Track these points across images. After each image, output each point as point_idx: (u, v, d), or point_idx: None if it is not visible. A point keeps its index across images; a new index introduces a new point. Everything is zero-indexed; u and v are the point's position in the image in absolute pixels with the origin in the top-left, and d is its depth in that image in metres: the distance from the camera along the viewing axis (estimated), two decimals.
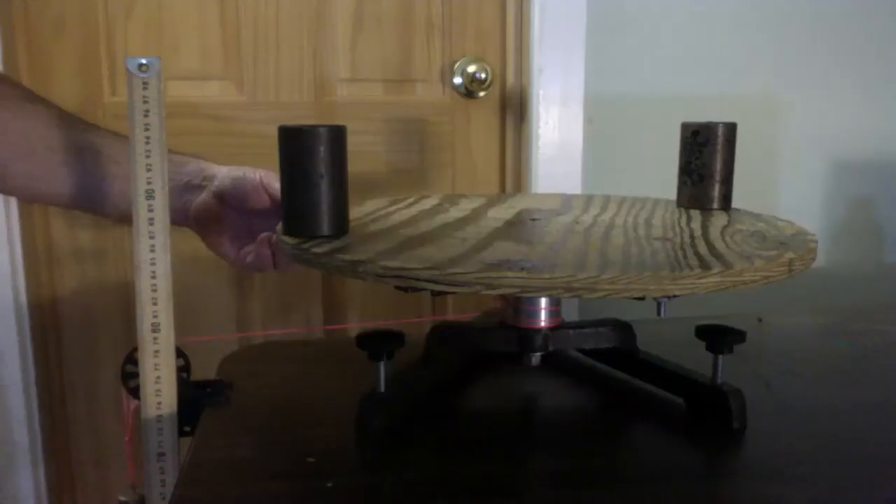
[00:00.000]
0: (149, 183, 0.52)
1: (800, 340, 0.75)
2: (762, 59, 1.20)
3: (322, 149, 0.49)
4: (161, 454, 0.54)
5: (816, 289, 1.19)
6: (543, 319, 0.57)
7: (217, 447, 0.50)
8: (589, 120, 1.14)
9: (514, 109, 1.17)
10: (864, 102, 1.24)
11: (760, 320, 0.78)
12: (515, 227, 0.56)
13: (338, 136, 0.50)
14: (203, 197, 0.64)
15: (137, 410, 0.54)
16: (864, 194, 1.28)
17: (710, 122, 0.66)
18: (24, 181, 0.61)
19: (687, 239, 0.52)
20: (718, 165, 0.66)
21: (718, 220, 0.61)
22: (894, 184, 1.28)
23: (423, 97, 1.15)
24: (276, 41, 1.09)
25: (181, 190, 0.64)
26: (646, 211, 0.65)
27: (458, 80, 1.14)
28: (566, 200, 0.72)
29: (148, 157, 0.52)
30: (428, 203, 0.68)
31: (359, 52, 1.12)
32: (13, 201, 1.02)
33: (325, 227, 0.50)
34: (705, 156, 0.65)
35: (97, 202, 0.62)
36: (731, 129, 0.66)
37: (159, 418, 0.54)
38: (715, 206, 0.66)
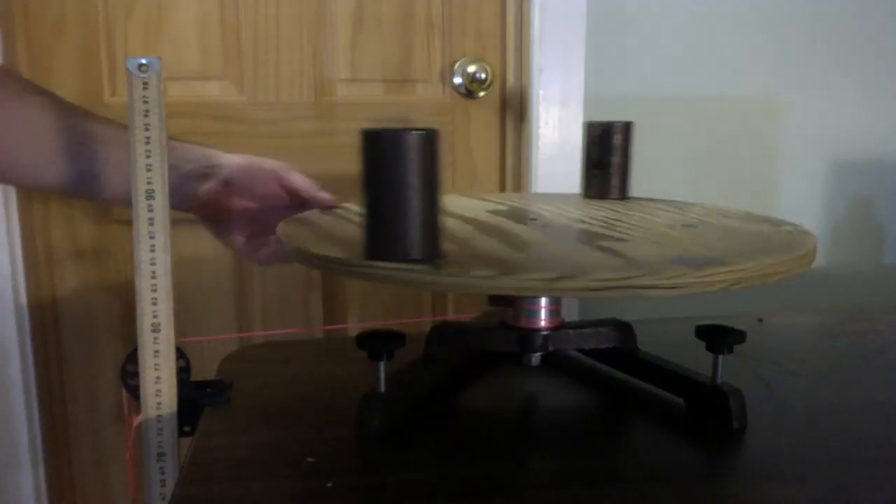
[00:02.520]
0: (149, 183, 0.52)
1: (800, 340, 0.75)
2: (762, 59, 1.20)
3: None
4: (161, 454, 0.54)
5: (816, 289, 1.19)
6: (543, 319, 0.57)
7: (217, 447, 0.50)
8: (589, 120, 1.14)
9: (514, 109, 1.17)
10: (864, 102, 1.24)
11: (760, 320, 0.78)
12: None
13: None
14: (210, 185, 0.64)
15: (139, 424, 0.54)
16: (863, 194, 1.28)
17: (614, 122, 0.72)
18: (31, 170, 0.61)
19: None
20: (619, 159, 0.71)
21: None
22: (894, 184, 1.28)
23: (423, 97, 1.15)
24: (276, 41, 1.09)
25: (184, 177, 0.64)
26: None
27: (458, 80, 1.14)
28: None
29: (148, 157, 0.52)
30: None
31: (359, 52, 1.12)
32: (13, 201, 1.02)
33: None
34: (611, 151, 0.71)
35: (99, 188, 0.62)
36: (628, 127, 0.72)
37: (159, 418, 0.54)
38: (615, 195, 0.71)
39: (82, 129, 0.61)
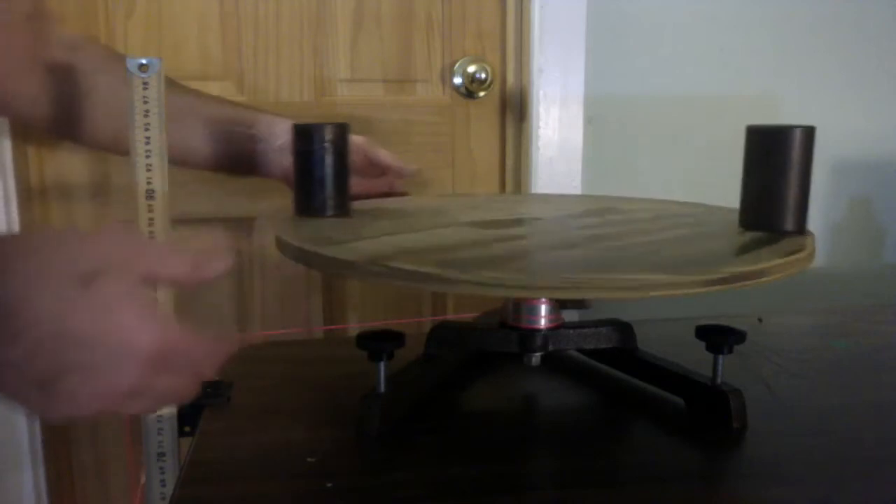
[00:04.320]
0: (149, 183, 0.52)
1: (800, 340, 0.75)
2: (762, 59, 1.20)
3: None
4: (161, 454, 0.54)
5: (816, 289, 1.19)
6: (543, 319, 0.57)
7: (217, 447, 0.50)
8: (589, 120, 1.14)
9: (514, 109, 1.17)
10: (863, 102, 1.24)
11: (760, 320, 0.78)
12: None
13: None
14: None
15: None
16: (863, 194, 1.28)
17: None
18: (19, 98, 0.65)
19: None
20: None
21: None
22: (894, 184, 1.28)
23: (423, 97, 1.15)
24: (276, 41, 1.09)
25: (281, 149, 0.70)
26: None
27: (458, 80, 1.14)
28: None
29: (148, 157, 0.52)
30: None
31: (359, 52, 1.12)
32: (13, 201, 1.02)
33: None
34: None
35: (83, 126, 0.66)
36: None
37: (159, 418, 0.54)
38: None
39: (75, 61, 0.64)
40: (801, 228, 0.53)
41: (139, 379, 0.37)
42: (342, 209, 0.61)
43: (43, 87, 0.63)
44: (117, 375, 0.37)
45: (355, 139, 0.71)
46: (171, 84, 0.66)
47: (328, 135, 0.59)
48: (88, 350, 0.36)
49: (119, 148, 0.66)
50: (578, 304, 0.58)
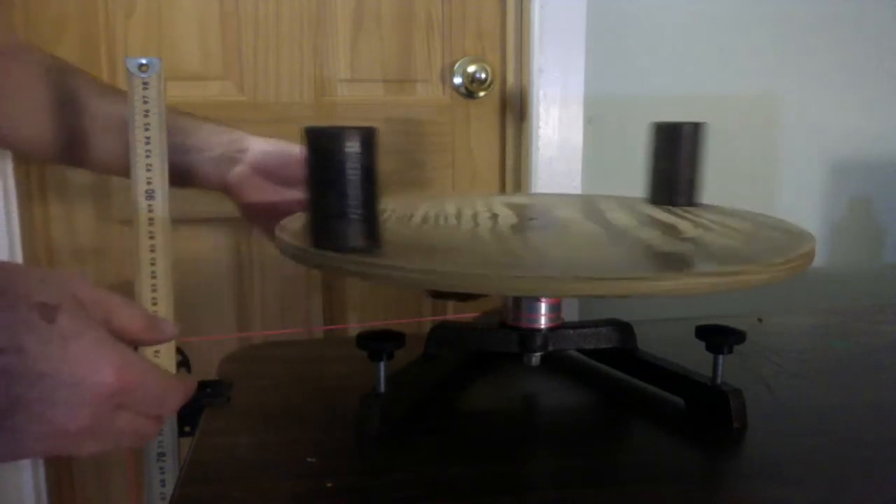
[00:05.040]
0: (149, 183, 0.52)
1: (800, 340, 0.75)
2: (762, 59, 1.20)
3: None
4: (161, 454, 0.54)
5: (816, 289, 1.19)
6: (543, 319, 0.57)
7: (217, 447, 0.50)
8: (589, 120, 1.14)
9: (514, 109, 1.17)
10: (863, 102, 1.24)
11: (760, 320, 0.78)
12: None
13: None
14: (240, 168, 0.65)
15: None
16: (863, 194, 1.28)
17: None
18: (23, 131, 0.63)
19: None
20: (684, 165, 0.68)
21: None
22: (893, 184, 1.28)
23: (423, 97, 1.15)
24: (276, 41, 1.09)
25: (214, 161, 0.65)
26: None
27: (458, 80, 1.14)
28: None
29: (148, 157, 0.52)
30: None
31: (359, 52, 1.12)
32: (13, 201, 1.02)
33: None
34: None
35: (87, 152, 0.64)
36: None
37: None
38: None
39: (72, 87, 0.62)
40: (691, 202, 0.67)
41: (93, 417, 0.35)
42: (372, 238, 0.47)
43: (44, 119, 0.62)
44: (70, 413, 0.34)
45: (296, 150, 0.67)
46: (105, 90, 0.64)
47: (352, 142, 0.46)
48: (40, 385, 0.33)
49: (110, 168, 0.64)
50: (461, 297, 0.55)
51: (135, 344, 0.40)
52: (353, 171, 0.45)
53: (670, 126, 0.67)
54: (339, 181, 0.45)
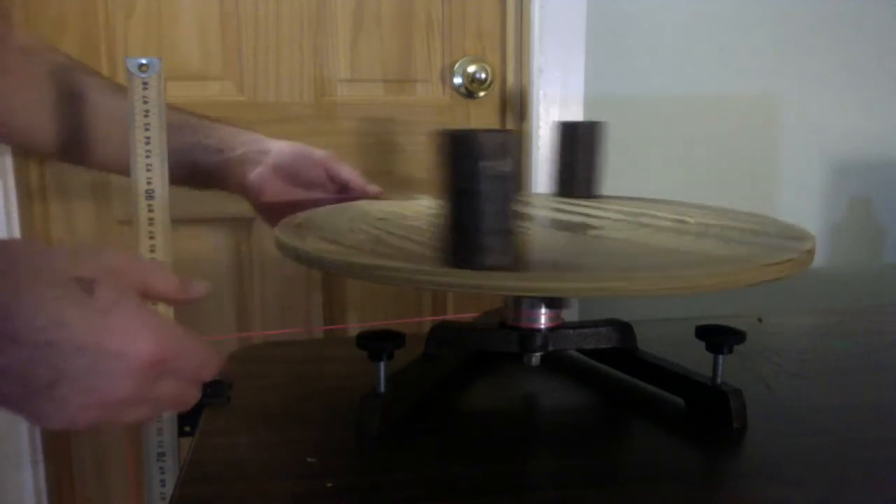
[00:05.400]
0: (149, 183, 0.52)
1: (800, 340, 0.75)
2: (762, 58, 1.20)
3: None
4: (161, 454, 0.54)
5: (816, 289, 1.19)
6: (543, 319, 0.57)
7: (217, 447, 0.50)
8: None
9: (514, 109, 1.17)
10: (863, 102, 1.24)
11: (760, 320, 0.78)
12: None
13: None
14: (260, 170, 0.65)
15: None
16: (863, 194, 1.28)
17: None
18: (24, 128, 0.63)
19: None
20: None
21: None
22: (894, 184, 1.28)
23: (423, 97, 1.15)
24: (276, 41, 1.09)
25: (235, 162, 0.67)
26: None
27: (458, 80, 1.14)
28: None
29: (148, 157, 0.52)
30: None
31: (359, 52, 1.12)
32: (13, 200, 1.02)
33: None
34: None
35: (90, 150, 0.64)
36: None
37: (159, 419, 0.54)
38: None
39: (79, 85, 0.63)
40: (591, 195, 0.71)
41: (136, 387, 0.36)
42: (509, 255, 0.43)
43: (46, 113, 0.62)
44: (113, 383, 0.36)
45: (317, 153, 0.69)
46: (117, 89, 0.65)
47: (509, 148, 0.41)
48: (84, 357, 0.35)
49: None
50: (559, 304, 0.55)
51: (175, 305, 0.42)
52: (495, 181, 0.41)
53: (570, 125, 0.71)
54: (481, 191, 0.41)
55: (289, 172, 0.66)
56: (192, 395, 0.41)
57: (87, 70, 0.66)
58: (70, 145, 0.64)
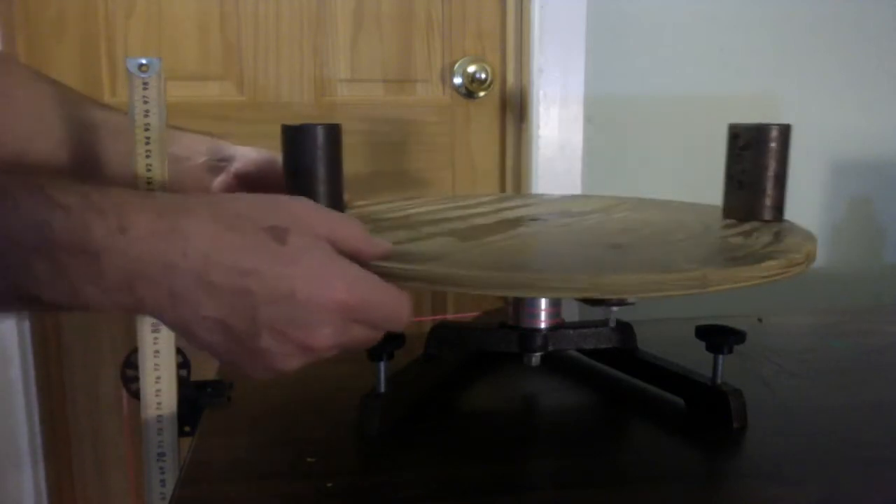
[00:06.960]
0: (149, 183, 0.52)
1: (800, 340, 0.75)
2: (762, 58, 1.20)
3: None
4: (161, 454, 0.54)
5: (816, 289, 1.19)
6: (543, 319, 0.57)
7: (217, 447, 0.50)
8: (589, 120, 1.14)
9: (514, 109, 1.17)
10: (863, 102, 1.24)
11: (760, 320, 0.78)
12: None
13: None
14: (223, 178, 0.64)
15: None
16: (863, 194, 1.28)
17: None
18: (44, 157, 0.61)
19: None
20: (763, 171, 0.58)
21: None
22: (893, 184, 1.28)
23: (423, 97, 1.15)
24: (276, 41, 1.09)
25: (197, 169, 0.64)
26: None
27: (458, 80, 1.14)
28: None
29: (148, 157, 0.52)
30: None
31: (359, 52, 1.12)
32: None
33: None
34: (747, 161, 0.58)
35: (99, 178, 0.63)
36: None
37: (159, 418, 0.54)
38: (765, 217, 0.58)
39: (86, 117, 0.62)
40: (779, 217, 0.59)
41: (333, 333, 0.38)
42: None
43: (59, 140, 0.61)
44: (310, 332, 0.37)
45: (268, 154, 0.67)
46: (83, 99, 0.63)
47: (320, 138, 0.52)
48: (278, 305, 0.36)
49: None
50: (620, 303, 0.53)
51: (360, 259, 0.41)
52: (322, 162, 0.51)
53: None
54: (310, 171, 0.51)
55: (253, 179, 0.64)
56: (377, 340, 0.42)
57: (87, 97, 0.65)
58: (81, 164, 0.62)
